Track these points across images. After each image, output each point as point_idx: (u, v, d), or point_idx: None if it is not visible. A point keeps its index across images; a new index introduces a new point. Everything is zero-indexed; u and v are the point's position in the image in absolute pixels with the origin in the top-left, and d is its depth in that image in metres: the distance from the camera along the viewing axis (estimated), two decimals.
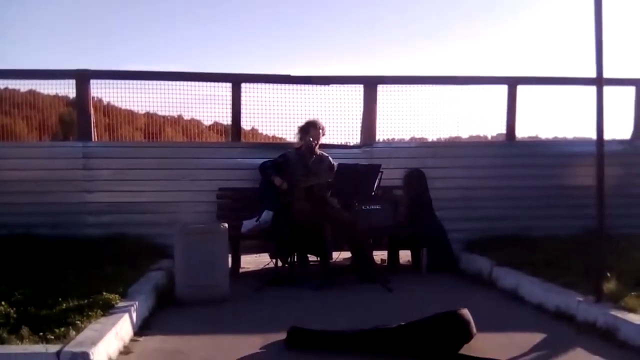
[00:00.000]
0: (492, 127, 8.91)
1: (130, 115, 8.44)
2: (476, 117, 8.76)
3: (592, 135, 4.90)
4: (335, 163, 6.95)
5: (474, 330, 4.22)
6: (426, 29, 42.89)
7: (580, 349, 4.17)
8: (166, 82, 7.90)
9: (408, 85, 8.43)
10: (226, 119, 8.04)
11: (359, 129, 8.20)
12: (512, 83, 8.27)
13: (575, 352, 4.14)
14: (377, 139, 8.12)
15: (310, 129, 6.91)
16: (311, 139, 6.87)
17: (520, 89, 8.28)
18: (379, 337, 4.17)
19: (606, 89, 4.77)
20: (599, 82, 4.75)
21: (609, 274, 4.86)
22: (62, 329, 3.90)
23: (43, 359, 3.51)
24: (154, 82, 7.86)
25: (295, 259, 6.75)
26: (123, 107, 8.19)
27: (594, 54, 4.74)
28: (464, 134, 9.07)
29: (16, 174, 7.37)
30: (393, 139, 8.57)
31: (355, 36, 41.35)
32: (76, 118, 7.78)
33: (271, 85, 8.07)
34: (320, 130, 6.92)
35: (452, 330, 4.15)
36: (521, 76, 8.42)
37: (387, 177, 6.87)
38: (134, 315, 4.67)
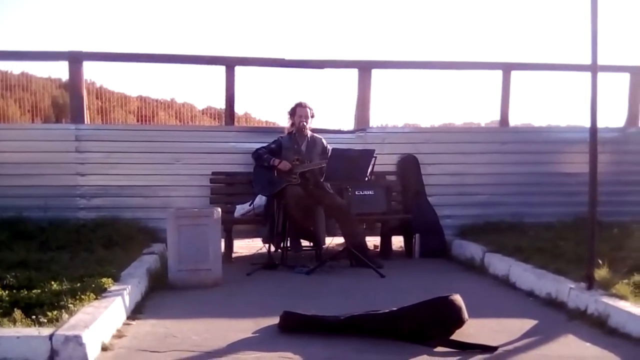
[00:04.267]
0: (486, 113, 8.95)
1: (123, 98, 8.43)
2: (470, 102, 8.79)
3: (586, 122, 4.89)
4: (328, 146, 6.93)
5: (466, 316, 4.24)
6: (421, 13, 42.77)
7: (571, 336, 4.19)
8: (159, 65, 7.87)
9: (402, 70, 8.42)
10: (220, 103, 8.02)
11: (353, 113, 8.18)
12: (507, 69, 8.25)
13: (566, 338, 4.15)
14: (371, 124, 8.09)
15: (297, 109, 6.89)
16: (299, 118, 6.85)
17: (515, 75, 8.27)
18: (371, 322, 4.18)
19: (600, 76, 4.76)
20: (594, 68, 4.74)
21: (600, 261, 4.87)
22: (55, 312, 3.89)
23: (36, 343, 3.49)
24: (147, 64, 7.82)
25: (288, 244, 6.75)
26: (116, 91, 8.18)
27: (589, 40, 4.72)
28: (458, 120, 9.10)
29: (8, 156, 7.31)
30: (387, 124, 8.58)
31: (350, 20, 41.19)
32: (69, 100, 7.73)
33: (265, 69, 8.04)
34: (308, 109, 6.88)
35: (444, 316, 4.16)
36: (515, 62, 8.41)
37: (381, 163, 6.86)
38: (127, 299, 4.66)
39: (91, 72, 7.72)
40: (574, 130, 8.17)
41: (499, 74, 8.24)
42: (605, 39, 4.83)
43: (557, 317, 4.65)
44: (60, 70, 7.84)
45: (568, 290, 4.85)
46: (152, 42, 35.76)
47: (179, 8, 40.60)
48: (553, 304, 4.96)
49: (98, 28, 35.56)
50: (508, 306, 5.07)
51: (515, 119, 8.51)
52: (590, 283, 4.70)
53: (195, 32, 37.97)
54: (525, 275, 5.61)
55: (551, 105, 8.71)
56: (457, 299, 4.27)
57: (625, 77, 8.53)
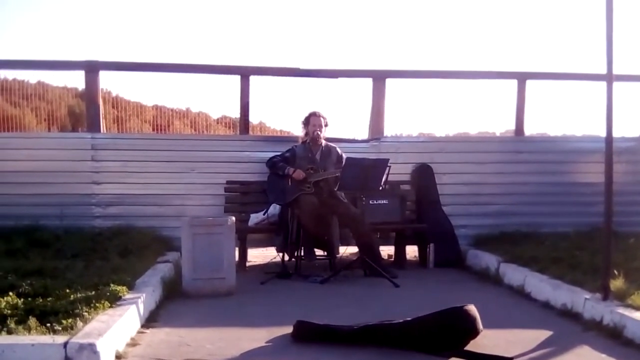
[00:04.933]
0: (501, 122, 8.92)
1: (139, 107, 8.49)
2: (485, 112, 8.76)
3: (601, 131, 4.87)
4: (344, 154, 6.93)
5: (481, 326, 4.21)
6: (436, 22, 42.78)
7: (586, 347, 4.15)
8: (175, 74, 7.92)
9: (417, 80, 8.41)
10: (234, 112, 8.05)
11: (367, 123, 8.18)
12: (522, 78, 8.22)
13: (582, 349, 4.12)
14: (385, 133, 8.09)
15: (310, 119, 6.91)
16: (313, 127, 6.86)
17: (530, 84, 8.24)
18: (384, 332, 4.17)
19: (616, 85, 4.73)
20: (609, 78, 4.71)
21: (616, 272, 4.83)
22: (70, 320, 3.90)
23: (50, 350, 3.51)
24: (163, 73, 7.88)
25: (302, 253, 6.74)
26: (132, 100, 8.24)
27: (604, 49, 4.70)
28: (473, 129, 9.08)
29: (24, 164, 7.37)
30: (401, 133, 8.57)
31: (364, 29, 41.27)
32: (85, 109, 7.79)
33: (280, 78, 8.07)
34: (322, 118, 6.89)
35: (458, 326, 4.14)
36: (531, 71, 8.38)
37: (395, 172, 6.83)
38: (141, 307, 4.68)
39: (107, 81, 7.76)
40: (590, 140, 8.11)
41: (514, 83, 8.22)
42: (621, 48, 4.80)
43: (572, 328, 4.61)
44: (76, 80, 7.93)
45: (583, 301, 4.81)
46: (168, 52, 35.96)
47: (194, 18, 40.84)
48: (568, 314, 4.92)
49: (114, 38, 35.85)
50: (523, 317, 5.03)
51: (531, 129, 8.48)
52: (606, 294, 4.67)
53: (211, 42, 38.17)
54: (540, 285, 5.58)
55: (567, 115, 8.67)
56: (472, 309, 4.25)
57: None
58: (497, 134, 9.27)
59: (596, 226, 6.36)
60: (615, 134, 4.79)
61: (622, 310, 4.36)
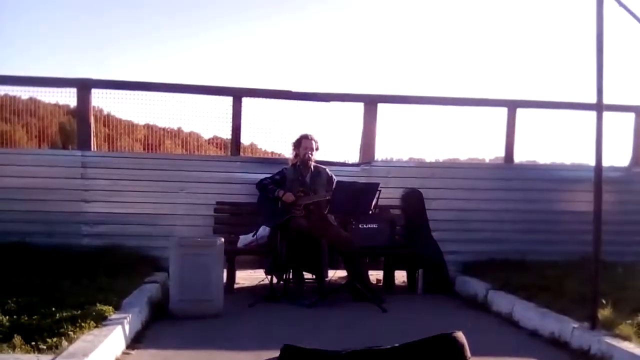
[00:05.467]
0: (491, 149, 8.95)
1: (130, 126, 8.46)
2: (475, 139, 8.79)
3: (591, 161, 4.90)
4: (333, 175, 6.95)
5: (469, 353, 4.18)
6: (427, 49, 43.15)
7: None
8: (167, 94, 7.92)
9: (408, 105, 8.45)
10: (226, 133, 8.06)
11: (358, 147, 8.20)
12: (512, 106, 8.28)
13: None
14: (376, 157, 8.11)
15: (302, 141, 6.91)
16: (304, 150, 6.86)
17: (520, 112, 8.29)
18: (372, 358, 4.14)
19: (606, 115, 4.77)
20: (599, 107, 4.76)
21: (604, 301, 4.84)
22: (55, 339, 3.88)
23: None
24: (155, 93, 7.87)
25: (291, 276, 6.72)
26: (123, 118, 8.22)
27: (594, 79, 4.75)
28: (463, 156, 9.10)
29: (14, 181, 7.34)
30: (392, 157, 8.59)
31: (358, 54, 41.56)
32: (76, 127, 7.77)
33: (272, 101, 8.09)
34: (313, 141, 6.89)
35: (446, 353, 4.12)
36: (521, 99, 8.44)
37: (385, 196, 6.86)
38: (127, 327, 4.65)
39: (99, 99, 7.73)
40: (579, 169, 8.17)
41: (504, 111, 8.28)
42: (611, 78, 4.85)
43: (560, 357, 4.61)
44: (68, 97, 7.87)
45: (571, 329, 4.82)
46: (161, 72, 36.10)
47: (189, 40, 41.04)
48: (556, 343, 4.92)
49: (108, 57, 35.92)
50: (511, 345, 5.02)
51: (520, 156, 8.52)
52: (594, 323, 4.67)
53: (205, 64, 38.31)
54: (528, 313, 5.58)
55: (556, 143, 8.71)
56: (460, 336, 4.23)
57: (631, 117, 8.55)
58: (487, 161, 9.30)
59: (585, 255, 6.35)
60: (605, 163, 4.83)
61: (609, 340, 4.37)
